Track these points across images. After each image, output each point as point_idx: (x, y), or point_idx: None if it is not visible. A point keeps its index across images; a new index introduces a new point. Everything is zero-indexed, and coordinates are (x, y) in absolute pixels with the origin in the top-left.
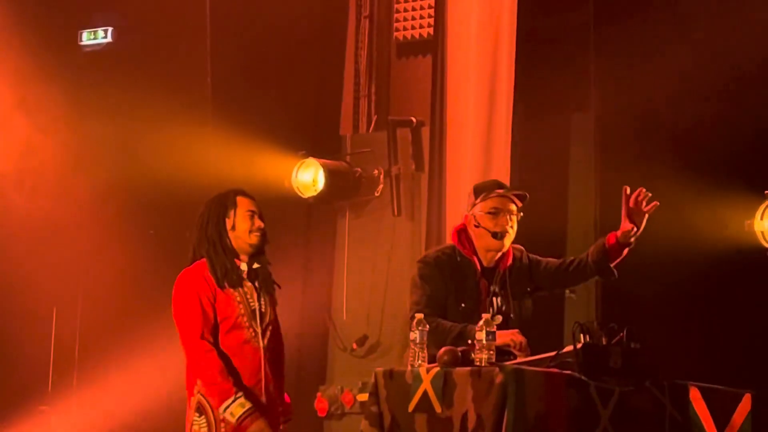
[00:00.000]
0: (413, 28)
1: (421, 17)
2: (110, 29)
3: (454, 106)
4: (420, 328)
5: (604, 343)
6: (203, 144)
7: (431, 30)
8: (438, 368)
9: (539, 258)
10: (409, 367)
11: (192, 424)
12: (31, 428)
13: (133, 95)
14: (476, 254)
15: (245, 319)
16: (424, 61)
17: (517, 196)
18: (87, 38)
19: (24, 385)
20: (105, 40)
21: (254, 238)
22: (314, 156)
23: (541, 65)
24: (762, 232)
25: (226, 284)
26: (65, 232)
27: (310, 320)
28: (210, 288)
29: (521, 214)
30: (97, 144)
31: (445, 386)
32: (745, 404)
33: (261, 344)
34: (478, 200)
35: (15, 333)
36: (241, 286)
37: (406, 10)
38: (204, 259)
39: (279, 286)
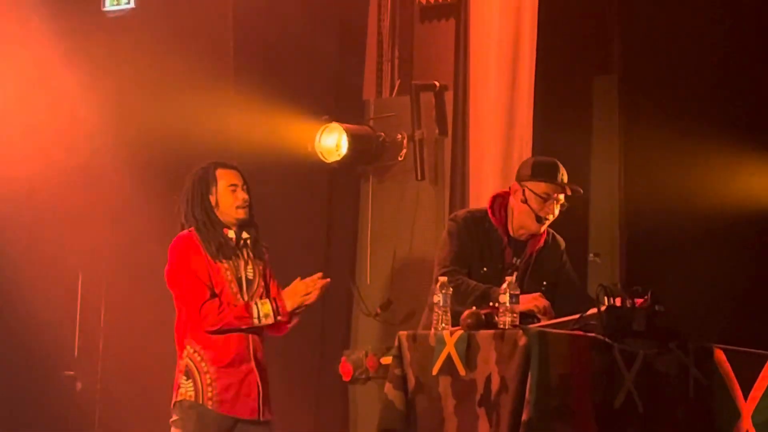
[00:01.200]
0: None
1: None
2: None
3: (477, 69)
4: (443, 291)
5: (628, 305)
6: (226, 108)
7: None
8: (461, 331)
9: (570, 268)
10: (433, 330)
11: (179, 387)
12: (57, 393)
13: (156, 60)
14: (507, 225)
15: (233, 286)
16: (447, 24)
17: (572, 189)
18: (110, 4)
19: (50, 350)
20: (128, 6)
21: (241, 213)
22: (337, 121)
23: (564, 27)
24: None
25: (220, 257)
26: (90, 192)
27: (334, 285)
28: (203, 255)
29: (567, 204)
30: (121, 107)
31: (468, 349)
32: None
33: None
34: (534, 179)
35: (41, 298)
36: (235, 257)
37: None
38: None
39: (267, 249)
